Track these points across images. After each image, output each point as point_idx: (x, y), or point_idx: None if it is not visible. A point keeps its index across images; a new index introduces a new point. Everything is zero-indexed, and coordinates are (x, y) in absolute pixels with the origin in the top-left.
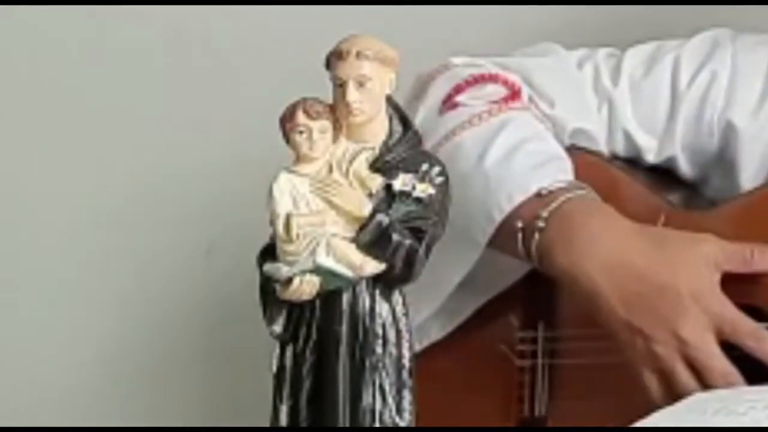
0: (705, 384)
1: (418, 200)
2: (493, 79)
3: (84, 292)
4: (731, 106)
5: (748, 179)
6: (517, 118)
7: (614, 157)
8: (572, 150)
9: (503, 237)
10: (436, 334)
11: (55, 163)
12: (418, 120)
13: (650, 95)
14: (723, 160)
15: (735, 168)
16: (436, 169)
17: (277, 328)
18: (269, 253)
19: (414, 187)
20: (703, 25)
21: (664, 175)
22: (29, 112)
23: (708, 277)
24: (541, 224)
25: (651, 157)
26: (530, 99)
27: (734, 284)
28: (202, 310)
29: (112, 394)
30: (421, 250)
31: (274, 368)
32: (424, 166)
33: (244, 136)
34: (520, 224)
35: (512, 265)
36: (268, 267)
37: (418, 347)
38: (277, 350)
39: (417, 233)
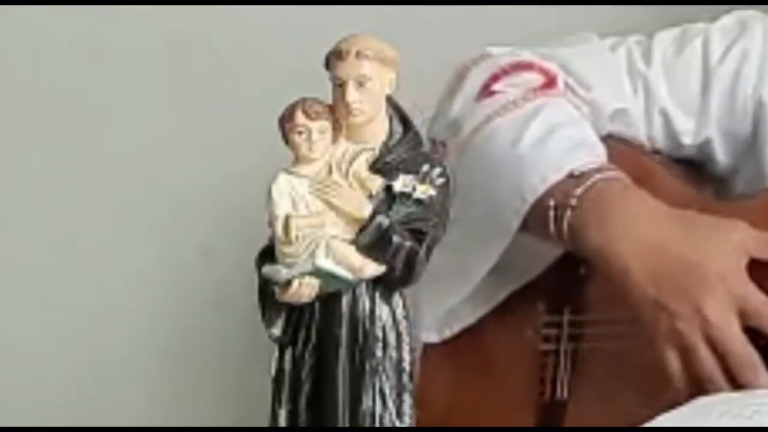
0: (725, 367)
1: (419, 202)
2: (529, 67)
3: (80, 294)
4: (763, 83)
5: None
6: (551, 104)
7: (653, 150)
8: (607, 141)
9: (536, 218)
10: (467, 318)
11: (53, 163)
12: (456, 108)
13: (683, 73)
14: (755, 146)
15: (765, 154)
16: (437, 170)
17: (276, 331)
18: (268, 255)
19: (414, 189)
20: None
21: (696, 169)
22: (26, 114)
23: (736, 261)
24: (574, 202)
25: (688, 140)
26: (567, 86)
27: (762, 271)
28: (199, 313)
29: (109, 396)
30: (422, 252)
31: (273, 372)
32: (425, 167)
33: (243, 136)
34: (552, 203)
35: (543, 250)
36: (266, 269)
37: (449, 333)
38: (276, 353)
39: (417, 235)
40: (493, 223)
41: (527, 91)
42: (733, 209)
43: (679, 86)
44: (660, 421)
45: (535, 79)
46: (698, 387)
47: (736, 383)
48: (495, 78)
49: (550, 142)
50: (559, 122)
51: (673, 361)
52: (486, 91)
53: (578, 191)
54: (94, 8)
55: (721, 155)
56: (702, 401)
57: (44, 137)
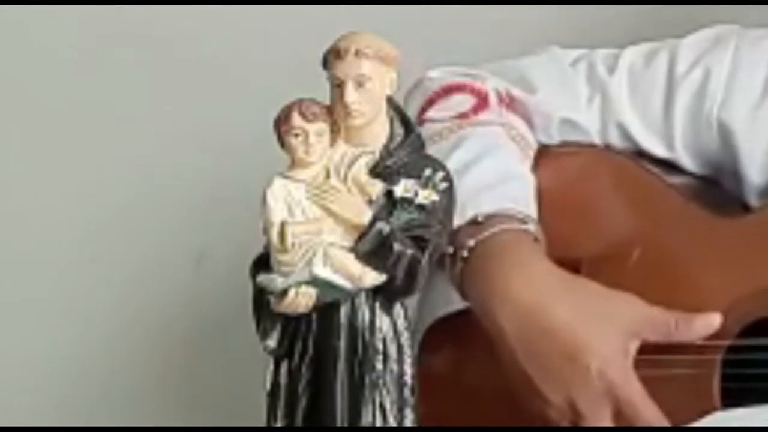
0: None
1: (421, 207)
2: (459, 88)
3: (71, 302)
4: (728, 104)
5: (754, 183)
6: (474, 134)
7: (651, 159)
8: (597, 152)
9: (441, 262)
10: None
11: (45, 169)
12: None
13: (647, 86)
14: (728, 165)
15: (741, 173)
16: (440, 175)
17: (272, 342)
18: (263, 263)
19: (416, 194)
20: (705, 24)
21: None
22: (18, 119)
23: (621, 348)
24: (465, 254)
25: (654, 154)
26: (510, 96)
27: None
28: (191, 323)
29: (99, 402)
30: (424, 261)
31: (268, 385)
32: (427, 172)
33: (237, 139)
34: (450, 250)
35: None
36: (261, 278)
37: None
38: (272, 366)
39: (419, 242)
40: None
41: (455, 118)
42: (734, 227)
43: (642, 100)
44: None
45: (466, 100)
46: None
47: None
48: (430, 102)
49: (464, 179)
50: (476, 156)
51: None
52: (420, 119)
53: (471, 242)
54: (93, 8)
55: (694, 170)
56: (714, 417)
57: (36, 141)
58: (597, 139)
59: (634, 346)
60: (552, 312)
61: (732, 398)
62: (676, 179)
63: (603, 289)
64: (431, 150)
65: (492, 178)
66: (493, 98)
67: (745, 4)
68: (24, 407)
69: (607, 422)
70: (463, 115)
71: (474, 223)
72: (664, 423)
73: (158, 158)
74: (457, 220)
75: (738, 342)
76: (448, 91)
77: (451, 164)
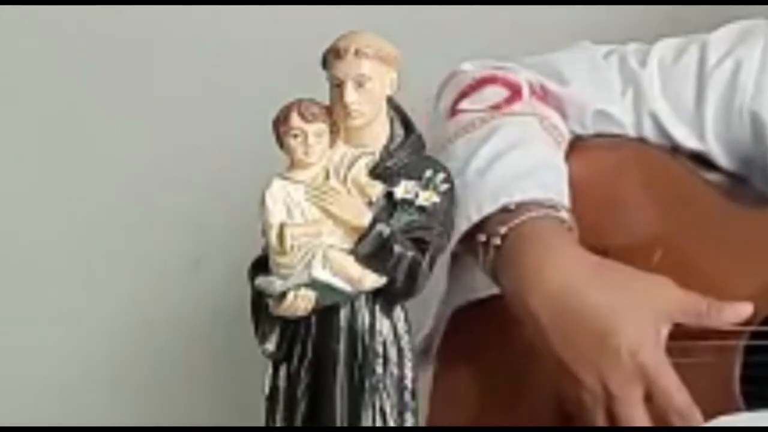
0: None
1: (422, 209)
2: (492, 80)
3: (67, 306)
4: (760, 96)
5: None
6: (508, 123)
7: (683, 154)
8: (631, 145)
9: (472, 250)
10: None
11: (41, 173)
12: (432, 129)
13: (678, 79)
14: (759, 159)
15: None
16: (441, 176)
17: (270, 346)
18: (261, 265)
19: (417, 195)
20: (717, 25)
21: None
22: (17, 121)
23: (653, 331)
24: (497, 241)
25: (686, 147)
26: (543, 89)
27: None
28: (189, 326)
29: (97, 406)
30: (425, 263)
31: (267, 389)
32: (428, 173)
33: (235, 140)
34: (482, 238)
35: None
36: (260, 281)
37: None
38: (270, 370)
39: (420, 244)
40: None
41: (489, 109)
42: (761, 221)
43: (674, 92)
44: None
45: (499, 92)
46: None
47: None
48: (463, 95)
49: (495, 168)
50: (510, 145)
51: (572, 410)
52: (453, 110)
53: (503, 229)
54: (92, 8)
55: (725, 164)
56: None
57: (31, 145)
58: (632, 132)
59: (666, 329)
60: (583, 295)
61: (752, 385)
62: (709, 175)
63: (636, 271)
64: (464, 140)
65: (524, 166)
66: (525, 90)
67: (762, 3)
68: (19, 412)
69: (638, 404)
70: (496, 107)
71: (506, 210)
72: (693, 407)
73: (156, 159)
74: (490, 207)
75: (760, 328)
76: (482, 83)
77: (484, 153)
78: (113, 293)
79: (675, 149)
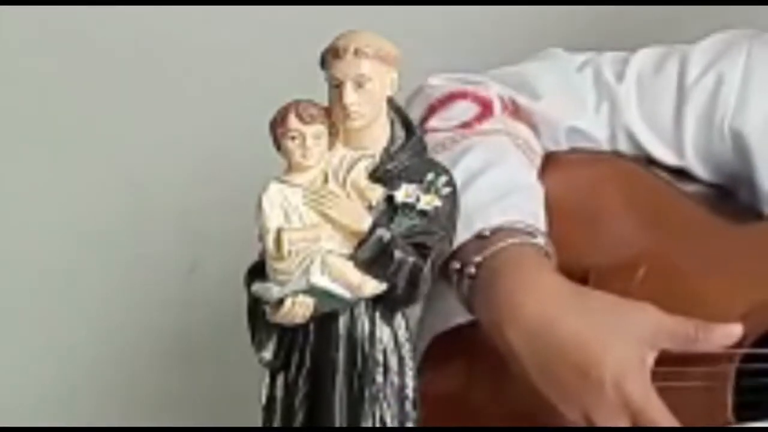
0: None
1: (423, 213)
2: (462, 96)
3: (62, 312)
4: (743, 111)
5: None
6: (478, 144)
7: (662, 167)
8: (605, 157)
9: (445, 278)
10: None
11: (34, 178)
12: None
13: (657, 93)
14: (743, 175)
15: (755, 181)
16: (443, 179)
17: (267, 354)
18: (258, 271)
19: (418, 199)
20: (712, 25)
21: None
22: (8, 125)
23: (637, 360)
24: (471, 270)
25: (665, 163)
26: (515, 103)
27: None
28: (183, 335)
29: (89, 415)
30: (426, 269)
31: (264, 399)
32: (430, 176)
33: (230, 142)
34: (456, 266)
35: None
36: (257, 287)
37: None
38: (267, 379)
39: (421, 249)
40: None
41: (459, 127)
42: (747, 236)
43: (652, 108)
44: None
45: (469, 108)
46: None
47: None
48: (431, 111)
49: (469, 192)
50: (480, 168)
51: None
52: (422, 128)
53: (478, 258)
54: (93, 8)
55: (707, 178)
56: None
57: (24, 149)
58: (606, 147)
59: (651, 357)
60: (562, 326)
61: (746, 410)
62: (689, 187)
63: (616, 298)
64: None
65: (498, 189)
66: (497, 106)
67: (755, 4)
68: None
69: None
70: (466, 124)
71: (480, 237)
72: None
73: (151, 164)
74: (464, 235)
75: (752, 351)
76: (451, 98)
77: (456, 175)
78: (106, 299)
79: (651, 161)
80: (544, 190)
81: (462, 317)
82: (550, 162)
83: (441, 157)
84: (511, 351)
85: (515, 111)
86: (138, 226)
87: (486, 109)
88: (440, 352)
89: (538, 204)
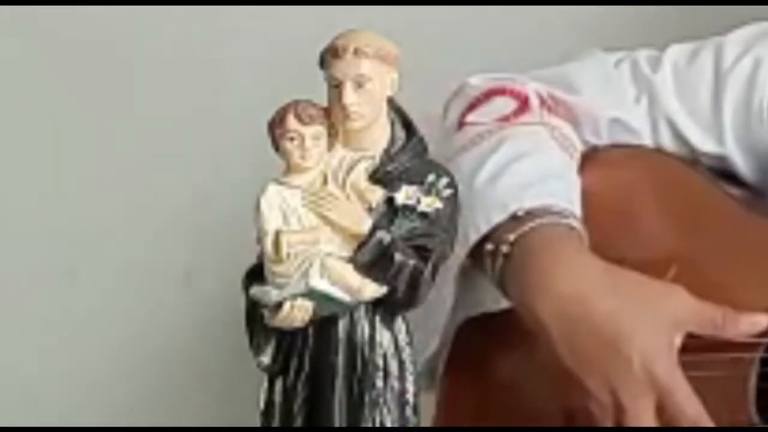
0: None
1: (424, 215)
2: (501, 92)
3: (56, 318)
4: None
5: None
6: (516, 134)
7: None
8: (642, 154)
9: (481, 260)
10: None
11: (31, 179)
12: (440, 142)
13: (693, 81)
14: None
15: None
16: (444, 181)
17: (265, 359)
18: (256, 274)
19: (419, 201)
20: (729, 26)
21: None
22: (3, 125)
23: (666, 340)
24: (505, 249)
25: (703, 152)
26: (554, 98)
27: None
28: (180, 340)
29: (83, 422)
30: (427, 272)
31: (262, 404)
32: (430, 177)
33: (228, 143)
34: (490, 246)
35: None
36: (255, 290)
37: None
38: (265, 384)
39: (422, 252)
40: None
41: (497, 120)
42: None
43: (690, 95)
44: None
45: (507, 104)
46: None
47: None
48: (471, 108)
49: (504, 177)
50: (518, 154)
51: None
52: (461, 123)
53: (512, 237)
54: (94, 8)
55: (745, 171)
56: None
57: (17, 150)
58: (648, 140)
59: (679, 339)
60: (594, 303)
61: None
62: (731, 188)
63: (648, 279)
64: (471, 152)
65: (534, 175)
66: (534, 101)
67: (753, 3)
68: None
69: (650, 416)
70: (504, 119)
71: (514, 219)
72: (707, 420)
73: (146, 164)
74: (499, 216)
75: None
76: (489, 95)
77: (493, 163)
78: (101, 305)
79: (694, 160)
80: (581, 186)
81: (491, 305)
82: (589, 158)
83: (478, 149)
84: (541, 326)
85: (554, 106)
86: (133, 228)
87: (524, 104)
88: (464, 341)
89: (574, 191)
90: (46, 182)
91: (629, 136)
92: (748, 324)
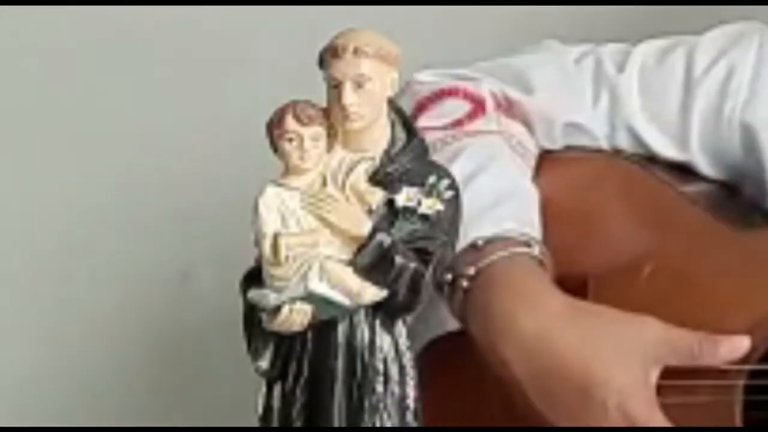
0: None
1: (425, 217)
2: (452, 93)
3: (52, 319)
4: (753, 104)
5: None
6: (470, 146)
7: (664, 164)
8: (607, 158)
9: (438, 288)
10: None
11: (23, 180)
12: None
13: (661, 86)
14: (751, 171)
15: (763, 177)
16: (445, 182)
17: (264, 363)
18: (254, 277)
19: (419, 203)
20: (711, 25)
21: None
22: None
23: (641, 377)
24: (465, 283)
25: (665, 157)
26: (508, 99)
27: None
28: (176, 343)
29: (80, 423)
30: (428, 275)
31: (260, 409)
32: (431, 179)
33: (225, 144)
34: (449, 277)
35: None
36: (253, 294)
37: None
38: (264, 389)
39: (423, 255)
40: None
41: (449, 127)
42: (754, 239)
43: (656, 98)
44: None
45: (460, 106)
46: None
47: None
48: (420, 108)
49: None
50: (473, 172)
51: None
52: None
53: (472, 271)
54: (84, 7)
55: (710, 174)
56: None
57: (11, 149)
58: (604, 143)
59: (655, 374)
60: (560, 343)
61: (756, 426)
62: (691, 187)
63: (616, 313)
64: None
65: (491, 196)
66: (489, 103)
67: (752, 4)
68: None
69: None
70: (457, 123)
71: (473, 247)
72: None
73: (142, 165)
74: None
75: (762, 366)
76: (440, 95)
77: None
78: (96, 307)
79: (650, 159)
80: (538, 192)
81: (452, 324)
82: (544, 161)
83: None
84: (508, 371)
85: (509, 107)
86: (130, 229)
87: (478, 106)
88: (432, 360)
89: (533, 210)
90: (42, 181)
91: (585, 140)
92: (727, 349)
